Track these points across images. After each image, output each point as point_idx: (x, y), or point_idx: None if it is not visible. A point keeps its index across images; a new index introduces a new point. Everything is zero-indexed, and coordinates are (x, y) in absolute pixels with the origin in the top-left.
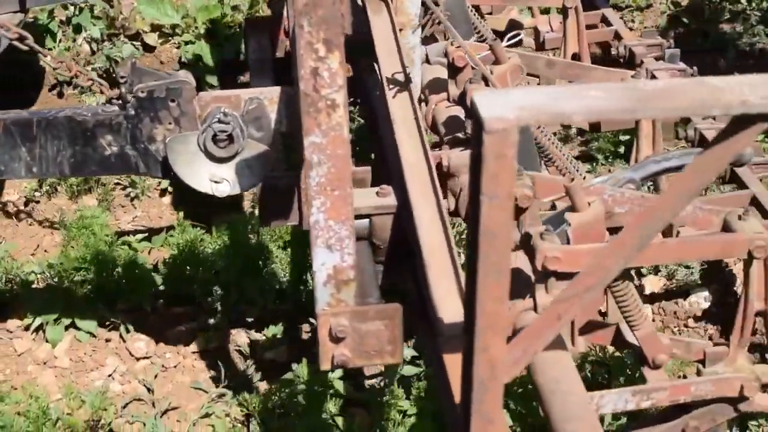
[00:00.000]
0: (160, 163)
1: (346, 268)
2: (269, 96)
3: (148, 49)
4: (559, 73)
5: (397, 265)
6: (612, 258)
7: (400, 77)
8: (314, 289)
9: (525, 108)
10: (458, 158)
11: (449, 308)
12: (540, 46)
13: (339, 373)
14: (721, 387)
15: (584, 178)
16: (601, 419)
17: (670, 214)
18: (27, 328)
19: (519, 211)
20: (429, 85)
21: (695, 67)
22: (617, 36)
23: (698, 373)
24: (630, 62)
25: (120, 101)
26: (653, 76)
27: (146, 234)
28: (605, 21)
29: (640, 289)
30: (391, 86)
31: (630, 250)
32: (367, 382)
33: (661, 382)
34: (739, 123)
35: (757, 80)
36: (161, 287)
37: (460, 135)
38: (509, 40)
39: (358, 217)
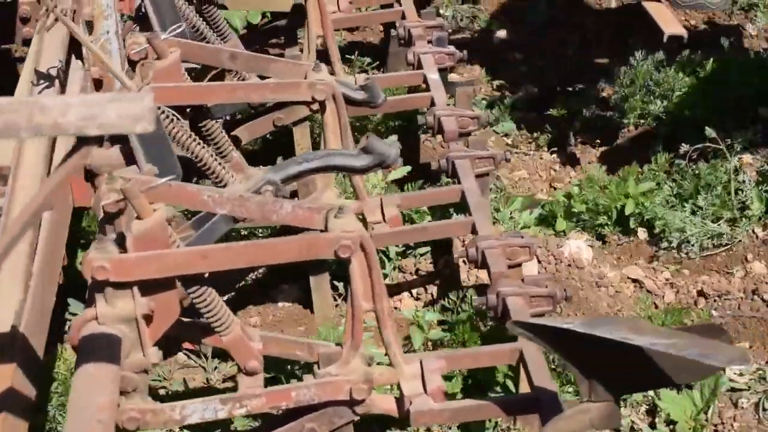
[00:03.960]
0: None
1: None
2: None
3: None
4: (242, 65)
5: None
6: None
7: (53, 71)
8: None
9: None
10: (100, 158)
11: None
12: None
13: None
14: (328, 391)
15: (239, 181)
16: None
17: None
18: None
19: (111, 216)
20: None
21: (465, 51)
22: (404, 17)
23: (314, 374)
24: (409, 43)
25: None
26: (419, 60)
27: None
28: (398, 1)
29: None
30: (41, 81)
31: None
32: None
33: (255, 390)
34: (78, 143)
35: (90, 100)
36: None
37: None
38: (172, 31)
39: None
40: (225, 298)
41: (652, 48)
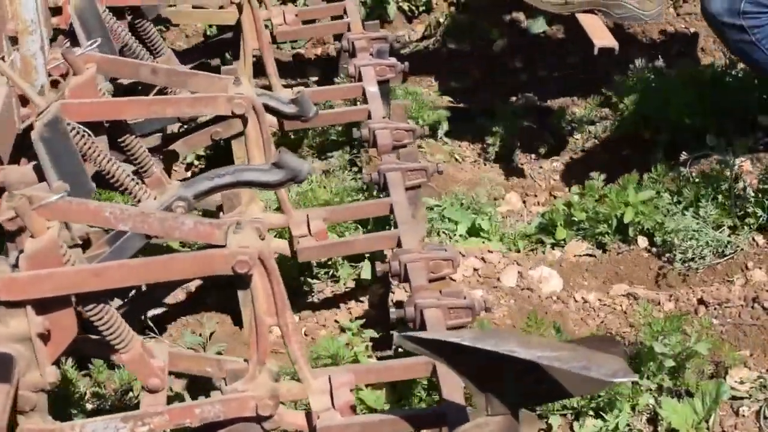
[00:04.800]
0: None
1: None
2: None
3: None
4: (163, 80)
5: None
6: None
7: None
8: None
9: None
10: (13, 174)
11: None
12: (273, 40)
13: None
14: (233, 407)
15: (155, 198)
16: None
17: None
18: None
19: (13, 234)
20: None
21: (406, 63)
22: (350, 29)
23: (221, 390)
24: (354, 55)
25: None
26: (360, 72)
27: None
28: (347, 12)
29: None
30: None
31: None
32: None
33: (157, 407)
34: None
35: None
36: None
37: None
38: (88, 46)
39: None
40: None
41: (652, 56)
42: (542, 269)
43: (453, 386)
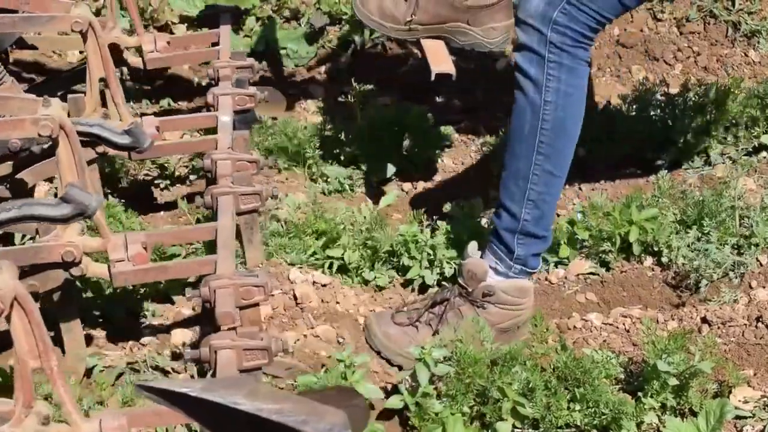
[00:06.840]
0: None
1: None
2: None
3: None
4: None
5: None
6: None
7: None
8: None
9: None
10: None
11: None
12: (144, 67)
13: None
14: None
15: None
16: None
17: None
18: None
19: None
20: None
21: (267, 92)
22: (219, 56)
23: None
24: (217, 83)
25: None
26: (218, 102)
27: None
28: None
29: None
30: None
31: None
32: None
33: None
34: None
35: None
36: None
37: None
38: None
39: None
40: None
41: (654, 75)
42: None
43: None
